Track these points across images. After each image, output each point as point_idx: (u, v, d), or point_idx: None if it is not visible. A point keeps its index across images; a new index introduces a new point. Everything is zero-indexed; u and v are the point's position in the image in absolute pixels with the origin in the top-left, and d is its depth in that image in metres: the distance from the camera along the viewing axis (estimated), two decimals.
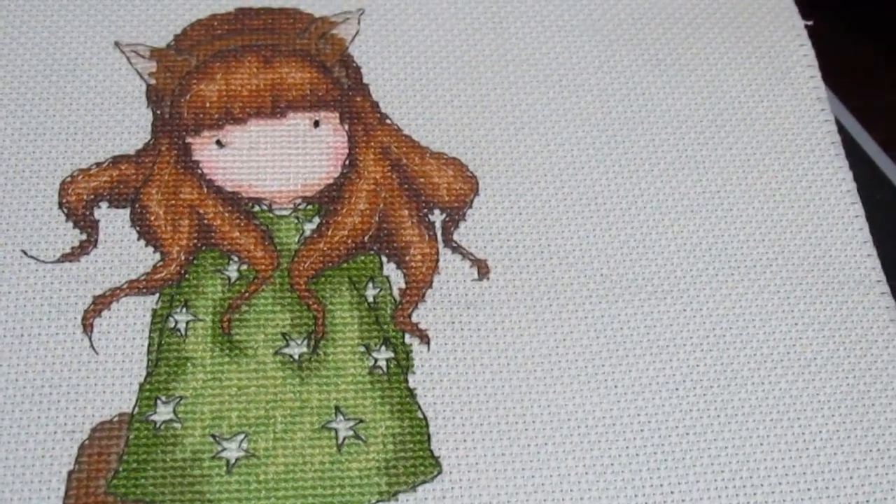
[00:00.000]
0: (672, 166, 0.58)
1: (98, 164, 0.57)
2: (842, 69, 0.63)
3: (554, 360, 0.53)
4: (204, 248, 0.56)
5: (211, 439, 0.51)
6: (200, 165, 0.57)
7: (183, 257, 0.55)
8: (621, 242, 0.56)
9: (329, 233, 0.56)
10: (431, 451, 0.51)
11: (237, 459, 0.50)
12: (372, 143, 0.58)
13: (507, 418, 0.52)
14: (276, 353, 0.53)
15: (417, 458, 0.51)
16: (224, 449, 0.51)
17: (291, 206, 0.57)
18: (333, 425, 0.52)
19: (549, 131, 0.59)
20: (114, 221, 0.56)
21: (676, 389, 0.52)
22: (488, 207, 0.58)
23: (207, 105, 0.58)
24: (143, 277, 0.55)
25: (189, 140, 0.58)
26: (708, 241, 0.56)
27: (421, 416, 0.52)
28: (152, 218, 0.56)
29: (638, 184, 0.58)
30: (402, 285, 0.55)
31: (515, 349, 0.54)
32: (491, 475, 0.50)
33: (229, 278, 0.55)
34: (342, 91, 0.59)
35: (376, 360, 0.53)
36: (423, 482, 0.50)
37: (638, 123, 0.59)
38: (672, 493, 0.49)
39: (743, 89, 0.60)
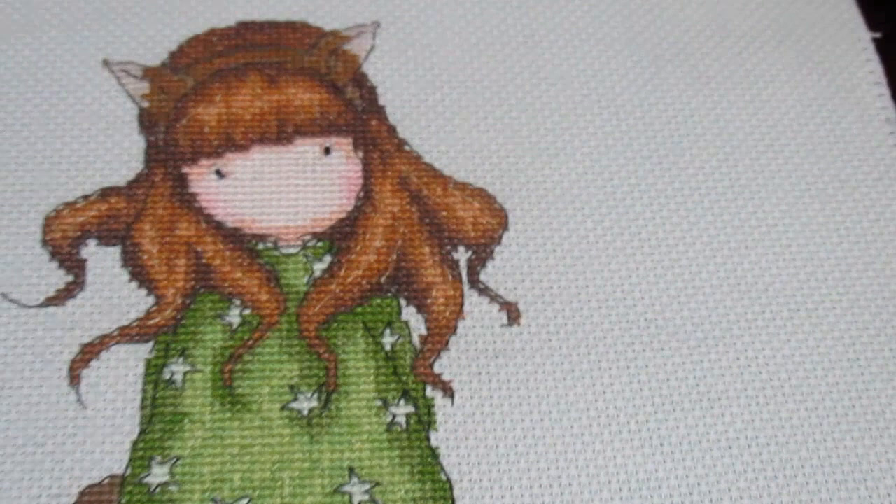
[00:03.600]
0: (724, 197, 0.60)
1: (85, 197, 0.59)
2: None
3: (593, 415, 0.55)
4: (202, 290, 0.57)
5: (212, 502, 0.52)
6: (198, 198, 0.59)
7: (179, 301, 0.57)
8: (668, 283, 0.58)
9: (342, 273, 0.58)
10: None
11: None
12: (389, 173, 0.60)
13: (541, 481, 0.53)
14: (283, 408, 0.55)
15: None
16: None
17: (300, 243, 0.59)
18: (347, 488, 0.53)
19: (587, 158, 0.61)
20: (103, 261, 0.57)
21: (729, 448, 0.54)
22: (519, 244, 0.59)
23: (206, 130, 0.60)
24: (135, 323, 0.56)
25: (186, 170, 0.60)
26: (764, 281, 0.58)
27: (444, 478, 0.53)
28: (145, 257, 0.58)
29: (686, 217, 0.60)
30: (424, 332, 0.57)
31: (550, 403, 0.55)
32: None
33: (231, 324, 0.57)
34: (355, 114, 0.61)
35: (395, 416, 0.55)
36: None
37: (686, 149, 0.62)
38: None
39: (802, 110, 0.62)
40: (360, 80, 0.62)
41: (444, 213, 0.59)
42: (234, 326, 0.57)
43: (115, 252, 0.58)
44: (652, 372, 0.56)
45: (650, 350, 0.56)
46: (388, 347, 0.56)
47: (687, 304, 0.57)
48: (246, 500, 0.52)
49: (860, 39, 0.64)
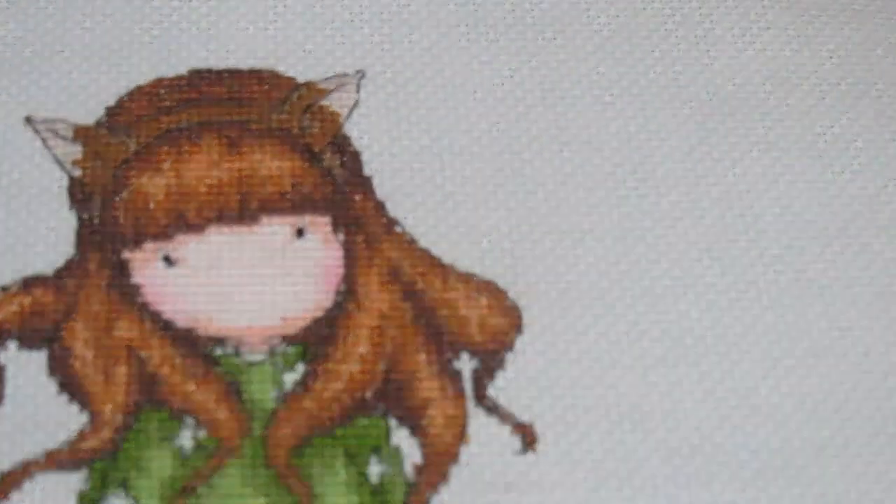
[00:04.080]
0: (787, 294, 0.64)
1: (3, 289, 0.61)
2: None
3: None
4: (147, 406, 0.59)
5: None
6: (143, 291, 0.62)
7: (119, 419, 0.59)
8: (718, 399, 0.61)
9: (318, 386, 0.60)
10: None
11: None
12: (376, 261, 0.63)
13: None
14: None
15: None
16: None
17: (266, 348, 0.61)
18: None
19: (620, 243, 0.64)
20: (25, 368, 0.60)
21: None
22: (536, 351, 0.62)
23: (152, 206, 0.62)
24: (65, 447, 0.58)
25: (127, 255, 0.62)
26: (837, 399, 0.62)
27: None
28: (77, 364, 0.60)
29: (744, 319, 0.63)
30: (419, 460, 0.59)
31: None
32: None
33: (182, 449, 0.59)
34: (335, 187, 0.64)
35: None
36: None
37: (742, 233, 0.65)
38: None
39: (883, 185, 0.66)
40: (342, 145, 0.65)
41: (445, 312, 0.62)
42: (187, 452, 0.59)
43: (40, 358, 0.60)
44: None
45: (696, 484, 0.59)
46: (375, 479, 0.59)
47: (742, 428, 0.61)
48: None
49: None
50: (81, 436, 0.58)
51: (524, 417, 0.61)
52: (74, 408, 0.59)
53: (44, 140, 0.65)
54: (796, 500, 0.60)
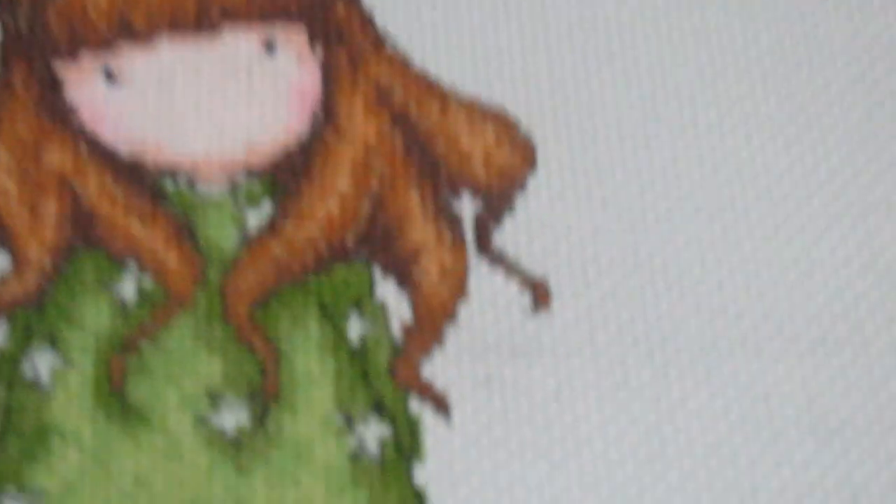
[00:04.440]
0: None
1: None
2: None
3: (654, 447, 0.55)
4: (82, 248, 0.57)
5: None
6: (78, 112, 0.59)
7: (47, 263, 0.56)
8: (767, 258, 0.58)
9: (288, 228, 0.57)
10: None
11: None
12: (361, 82, 0.59)
13: None
14: (198, 424, 0.54)
15: None
16: None
17: (226, 182, 0.58)
18: None
19: (656, 68, 0.61)
20: None
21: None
22: (551, 192, 0.58)
23: (90, 10, 0.58)
24: None
25: (61, 69, 0.59)
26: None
27: None
28: None
29: (775, 162, 0.60)
30: (408, 318, 0.56)
31: (591, 427, 0.55)
32: None
33: (123, 299, 0.56)
34: None
35: (362, 440, 0.54)
36: None
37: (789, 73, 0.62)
38: None
39: None
40: None
41: (443, 144, 0.59)
42: (129, 302, 0.56)
43: None
44: (745, 386, 0.56)
45: (741, 354, 0.56)
46: (354, 340, 0.56)
47: (795, 292, 0.57)
48: None
49: None
50: (1, 281, 0.56)
51: (536, 271, 0.57)
52: None
53: None
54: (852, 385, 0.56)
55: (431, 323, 0.56)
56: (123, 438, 0.53)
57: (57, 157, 0.57)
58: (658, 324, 0.57)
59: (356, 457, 0.53)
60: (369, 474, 0.53)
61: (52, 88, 0.58)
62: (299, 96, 0.59)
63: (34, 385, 0.54)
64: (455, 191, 0.58)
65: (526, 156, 0.59)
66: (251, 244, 0.57)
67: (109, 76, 0.59)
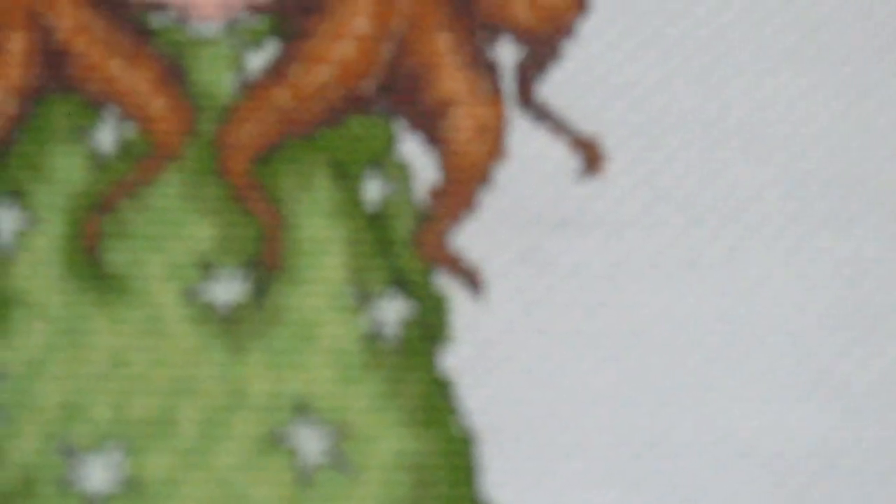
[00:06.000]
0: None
1: None
2: None
3: (723, 335, 0.52)
4: (54, 90, 0.54)
5: (58, 452, 0.50)
6: None
7: (12, 105, 0.54)
8: (854, 115, 0.55)
9: (294, 72, 0.54)
10: (479, 497, 0.51)
11: (108, 494, 0.50)
12: None
13: (629, 442, 0.51)
14: (186, 297, 0.53)
15: None
16: (83, 472, 0.50)
17: (223, 18, 0.55)
18: (293, 437, 0.51)
19: None
20: None
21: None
22: (607, 40, 0.56)
23: None
24: None
25: None
26: None
27: (461, 429, 0.52)
28: None
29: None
30: (436, 180, 0.54)
31: (649, 313, 0.53)
32: None
33: (99, 150, 0.54)
34: None
35: (379, 320, 0.53)
36: None
37: None
38: None
39: None
40: None
41: None
42: (106, 154, 0.54)
43: None
44: (833, 267, 0.53)
45: (829, 230, 0.54)
46: (372, 204, 0.54)
47: (885, 167, 0.54)
48: (117, 448, 0.50)
49: None
50: None
51: (587, 129, 0.55)
52: None
53: None
54: None
55: (463, 186, 0.54)
56: (98, 311, 0.52)
57: None
58: (731, 193, 0.55)
59: (371, 338, 0.52)
60: (386, 358, 0.52)
61: None
62: None
63: None
64: (493, 35, 0.55)
65: None
66: (251, 89, 0.54)
67: None
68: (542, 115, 0.55)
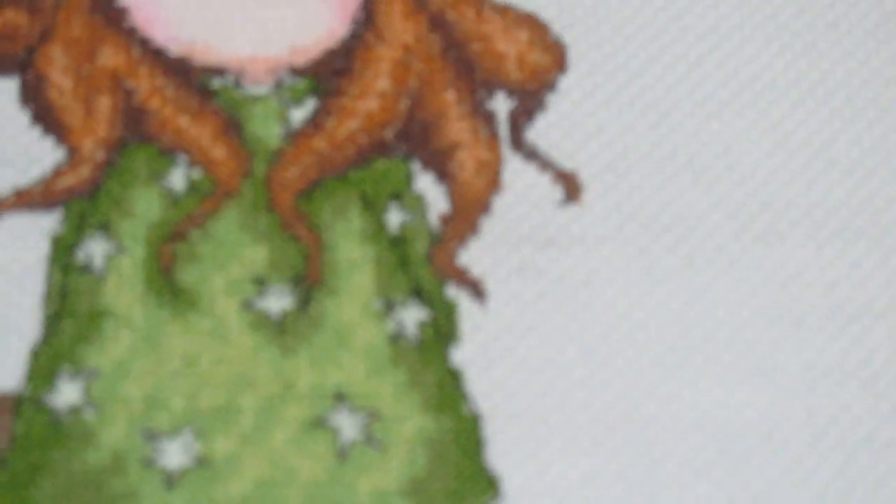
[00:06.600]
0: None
1: None
2: None
3: (679, 330, 0.55)
4: (134, 141, 0.57)
5: (142, 437, 0.52)
6: (130, 13, 0.59)
7: (101, 155, 0.56)
8: (790, 153, 0.59)
9: (330, 123, 0.57)
10: (485, 467, 0.52)
11: (183, 469, 0.52)
12: None
13: (606, 418, 0.53)
14: (244, 308, 0.54)
15: (463, 476, 0.52)
16: (162, 452, 0.52)
17: (271, 80, 0.58)
18: (332, 421, 0.53)
19: None
20: None
21: (870, 378, 0.55)
22: (582, 91, 0.59)
23: None
24: (38, 185, 0.56)
25: None
26: None
27: (469, 411, 0.53)
28: (54, 93, 0.57)
29: (816, 62, 0.61)
30: (445, 209, 0.57)
31: (619, 313, 0.55)
32: None
33: (173, 190, 0.56)
34: None
35: (401, 323, 0.55)
36: None
37: None
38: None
39: None
40: None
41: (478, 46, 0.59)
42: (178, 193, 0.56)
43: (10, 86, 0.58)
44: (768, 273, 0.56)
45: (764, 243, 0.57)
46: (394, 229, 0.56)
47: (815, 184, 0.58)
48: (190, 433, 0.52)
49: None
50: (57, 172, 0.56)
51: (566, 165, 0.58)
52: (50, 142, 0.57)
53: None
54: (878, 268, 0.57)
55: (468, 213, 0.56)
56: (173, 321, 0.54)
57: (110, 56, 0.57)
58: (684, 214, 0.57)
59: (395, 339, 0.54)
60: (408, 355, 0.54)
61: None
62: (341, 1, 0.59)
63: (88, 270, 0.55)
64: (490, 90, 0.59)
65: (557, 57, 0.59)
66: (295, 138, 0.57)
67: None
68: (530, 154, 0.58)
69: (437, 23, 0.59)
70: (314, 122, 0.57)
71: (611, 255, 0.56)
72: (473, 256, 0.56)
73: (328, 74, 0.58)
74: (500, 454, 0.52)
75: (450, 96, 0.58)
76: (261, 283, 0.55)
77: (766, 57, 0.60)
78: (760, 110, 0.59)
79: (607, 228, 0.57)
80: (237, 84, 0.58)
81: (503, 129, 0.58)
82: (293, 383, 0.53)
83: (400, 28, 0.59)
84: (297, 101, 0.58)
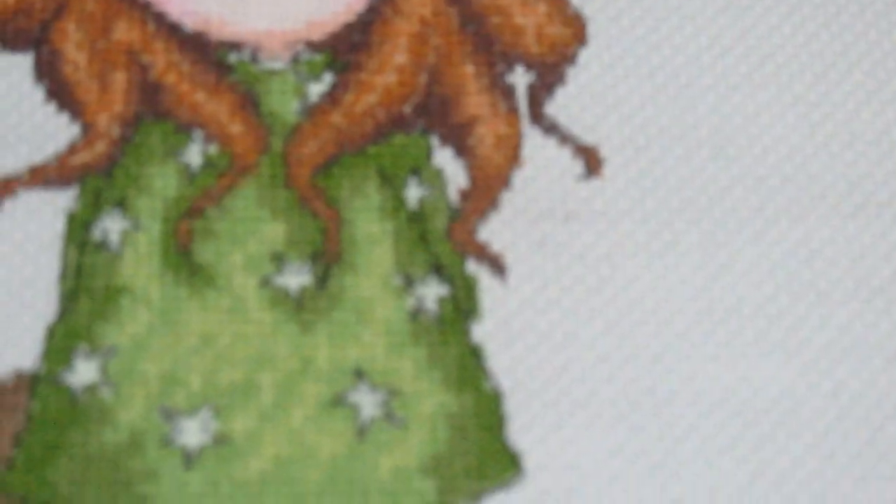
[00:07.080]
0: None
1: None
2: None
3: (702, 305, 0.55)
4: (150, 117, 0.57)
5: (159, 415, 0.52)
6: None
7: (116, 131, 0.56)
8: (814, 125, 0.59)
9: (348, 98, 0.57)
10: (507, 444, 0.52)
11: (201, 448, 0.51)
12: None
13: (628, 394, 0.53)
14: (262, 285, 0.54)
15: (485, 453, 0.52)
16: (181, 431, 0.52)
17: (288, 55, 0.58)
18: (352, 398, 0.53)
19: None
20: (9, 73, 0.58)
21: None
22: (602, 64, 0.59)
23: None
24: (53, 161, 0.56)
25: None
26: None
27: (491, 388, 0.53)
28: (69, 69, 0.57)
29: (839, 35, 0.61)
30: (465, 184, 0.57)
31: (641, 288, 0.55)
32: (599, 481, 0.52)
33: (189, 166, 0.56)
34: None
35: (421, 300, 0.55)
36: (494, 490, 0.51)
37: None
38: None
39: None
40: None
41: (497, 20, 0.59)
42: (195, 169, 0.56)
43: (25, 61, 0.58)
44: (791, 248, 0.56)
45: (787, 217, 0.57)
46: (413, 204, 0.56)
47: (839, 157, 0.58)
48: (208, 411, 0.52)
49: None
50: (72, 149, 0.56)
51: (587, 139, 0.58)
52: (64, 118, 0.57)
53: None
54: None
55: (487, 188, 0.56)
56: (190, 298, 0.54)
57: (125, 31, 0.58)
58: (705, 188, 0.57)
59: (415, 315, 0.54)
60: (428, 331, 0.54)
61: None
62: None
63: (104, 247, 0.54)
64: (508, 64, 0.59)
65: (576, 31, 0.59)
66: (313, 113, 0.57)
67: None
68: (550, 128, 0.58)
69: None
70: (331, 97, 0.57)
71: (632, 229, 0.56)
72: (493, 231, 0.56)
73: (345, 49, 0.58)
74: (522, 430, 0.52)
75: (468, 70, 0.58)
76: (279, 259, 0.55)
77: (788, 29, 0.60)
78: (783, 83, 0.59)
79: (628, 203, 0.57)
80: (254, 59, 0.58)
81: (522, 103, 0.58)
82: (312, 360, 0.53)
83: (417, 2, 0.59)
84: (315, 75, 0.58)
